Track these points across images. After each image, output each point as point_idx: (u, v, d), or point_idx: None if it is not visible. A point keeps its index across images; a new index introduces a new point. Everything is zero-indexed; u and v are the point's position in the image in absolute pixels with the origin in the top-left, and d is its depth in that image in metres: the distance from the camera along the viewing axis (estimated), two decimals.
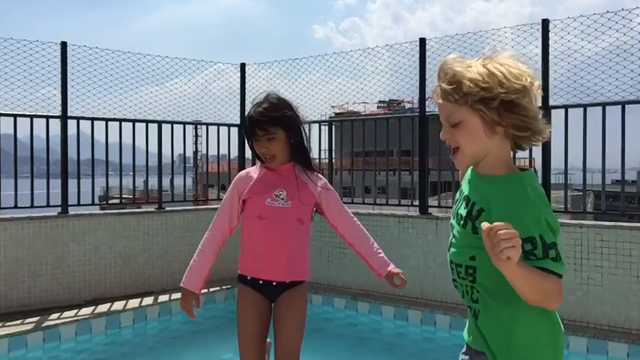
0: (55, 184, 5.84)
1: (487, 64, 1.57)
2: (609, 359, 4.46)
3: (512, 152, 1.68)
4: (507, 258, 1.33)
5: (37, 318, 5.04)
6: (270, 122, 2.60)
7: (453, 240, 1.75)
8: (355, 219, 2.87)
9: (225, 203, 2.76)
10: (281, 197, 2.63)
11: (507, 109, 1.54)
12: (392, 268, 2.85)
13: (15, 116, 5.65)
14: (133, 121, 6.40)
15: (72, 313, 5.22)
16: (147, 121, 6.49)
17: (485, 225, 1.36)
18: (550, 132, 1.63)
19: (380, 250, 2.87)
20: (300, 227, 2.67)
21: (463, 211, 1.69)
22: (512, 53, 1.61)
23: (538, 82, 1.60)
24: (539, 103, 1.62)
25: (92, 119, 6.14)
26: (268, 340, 2.87)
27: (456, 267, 1.72)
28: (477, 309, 1.70)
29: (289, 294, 2.74)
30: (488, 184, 1.65)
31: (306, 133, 2.74)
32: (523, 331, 1.62)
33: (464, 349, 1.83)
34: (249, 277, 2.76)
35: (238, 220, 2.75)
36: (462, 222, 1.68)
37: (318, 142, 6.80)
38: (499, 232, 1.33)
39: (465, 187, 1.74)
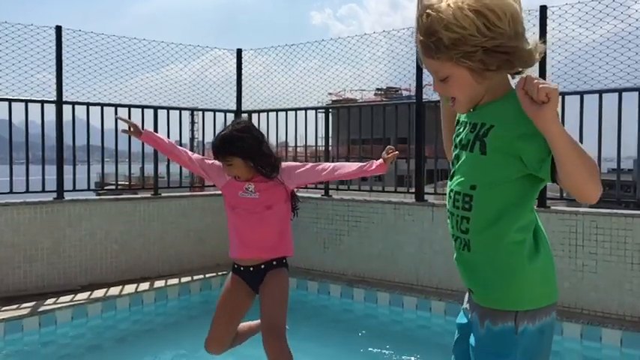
0: (51, 170, 5.82)
1: (464, 4, 1.48)
2: (603, 346, 4.49)
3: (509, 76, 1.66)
4: (546, 96, 1.33)
5: (33, 303, 5.05)
6: (225, 152, 2.98)
7: (456, 168, 1.74)
8: (321, 165, 3.17)
9: (202, 159, 3.26)
10: (250, 190, 3.04)
11: (491, 54, 1.52)
12: (380, 159, 3.11)
13: (10, 101, 5.61)
14: (129, 107, 6.37)
15: (68, 298, 5.24)
16: (143, 107, 6.46)
17: (518, 80, 1.37)
18: (544, 47, 1.57)
19: (356, 164, 3.16)
20: (269, 212, 3.03)
21: (470, 136, 1.67)
22: None
23: (521, 15, 1.54)
24: (525, 30, 1.56)
25: (87, 104, 6.11)
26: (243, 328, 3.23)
27: (455, 195, 1.72)
28: (467, 239, 1.71)
29: (269, 275, 3.04)
30: (491, 106, 1.64)
31: (270, 151, 3.06)
32: (513, 252, 1.64)
33: (466, 300, 1.85)
34: (235, 265, 3.16)
35: (191, 163, 3.26)
36: (469, 146, 1.67)
37: (314, 129, 6.79)
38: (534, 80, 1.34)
39: (465, 117, 1.74)
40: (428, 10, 1.52)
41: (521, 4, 1.56)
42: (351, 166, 3.15)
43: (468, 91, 1.61)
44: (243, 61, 7.24)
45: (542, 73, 5.22)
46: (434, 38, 1.52)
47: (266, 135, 3.13)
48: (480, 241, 1.68)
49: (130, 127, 3.26)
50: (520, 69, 1.59)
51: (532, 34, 1.61)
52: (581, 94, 5.04)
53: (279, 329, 2.88)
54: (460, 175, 1.72)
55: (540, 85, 1.34)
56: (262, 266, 3.05)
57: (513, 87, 1.63)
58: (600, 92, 4.96)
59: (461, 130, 1.75)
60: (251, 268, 3.06)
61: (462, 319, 1.89)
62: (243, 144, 2.96)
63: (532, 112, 1.39)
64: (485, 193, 1.64)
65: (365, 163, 3.10)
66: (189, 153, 3.32)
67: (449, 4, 1.50)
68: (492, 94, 1.64)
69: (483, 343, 1.70)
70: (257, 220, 3.02)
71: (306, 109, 6.81)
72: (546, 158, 1.46)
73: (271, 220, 3.05)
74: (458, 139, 1.76)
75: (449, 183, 1.78)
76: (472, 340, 1.74)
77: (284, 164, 3.13)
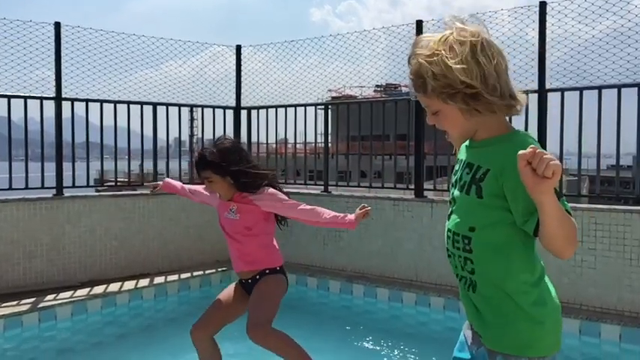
0: (50, 167, 5.82)
1: (447, 58, 1.57)
2: (602, 341, 4.50)
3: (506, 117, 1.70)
4: (552, 174, 1.36)
5: (33, 299, 5.05)
6: (203, 168, 3.17)
7: (454, 208, 1.76)
8: (301, 206, 3.25)
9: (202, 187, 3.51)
10: (233, 211, 3.24)
11: (473, 98, 1.59)
12: (353, 214, 3.20)
13: (9, 97, 5.61)
14: (128, 103, 6.37)
15: (68, 294, 5.24)
16: (142, 103, 6.45)
17: (522, 152, 1.38)
18: (525, 100, 1.66)
19: (332, 213, 3.24)
20: (249, 233, 3.22)
21: (467, 177, 1.70)
22: (480, 29, 1.61)
23: (504, 63, 1.62)
24: (513, 82, 1.64)
25: (86, 101, 6.10)
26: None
27: (453, 236, 1.74)
28: (474, 280, 1.71)
29: (261, 279, 3.26)
30: (489, 146, 1.67)
31: (252, 169, 3.21)
32: (520, 292, 1.66)
33: (468, 335, 1.85)
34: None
35: (195, 196, 3.66)
36: (465, 188, 1.69)
37: (314, 126, 6.79)
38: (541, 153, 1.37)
39: (463, 156, 1.76)
40: (417, 58, 1.62)
41: (505, 59, 1.64)
42: (329, 214, 3.23)
43: (458, 126, 1.68)
44: (242, 58, 7.24)
45: (542, 70, 5.22)
46: (421, 81, 1.62)
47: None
48: (486, 284, 1.69)
49: (154, 188, 3.78)
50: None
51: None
52: (581, 89, 5.04)
53: (259, 317, 3.01)
54: (457, 216, 1.73)
55: (549, 162, 1.36)
56: (257, 277, 3.25)
57: (513, 128, 1.68)
58: (600, 88, 4.96)
59: (457, 168, 1.78)
60: (249, 280, 3.27)
61: (462, 353, 1.87)
62: (220, 160, 3.13)
63: (532, 184, 1.40)
64: (484, 235, 1.66)
65: (339, 215, 3.21)
66: (194, 187, 3.69)
67: (435, 56, 1.59)
68: (488, 130, 1.67)
69: None
70: (240, 239, 3.23)
71: (305, 105, 6.81)
72: (534, 213, 1.51)
73: (253, 239, 3.24)
74: (455, 179, 1.78)
75: (447, 222, 1.80)
76: None
77: (270, 191, 3.23)
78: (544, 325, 1.67)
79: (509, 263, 1.65)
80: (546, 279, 1.74)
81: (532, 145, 1.40)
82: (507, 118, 1.71)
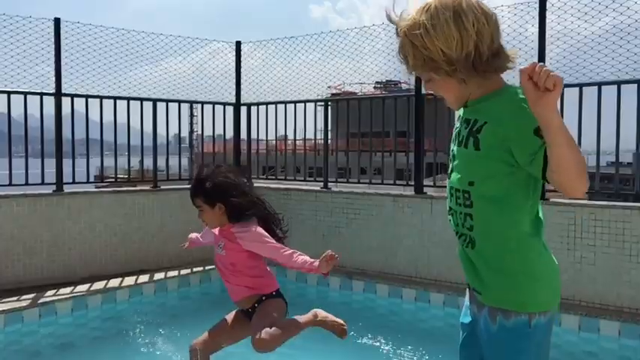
0: (50, 164, 5.82)
1: (427, 29, 1.59)
2: (601, 337, 4.51)
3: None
4: (554, 86, 1.37)
5: (33, 295, 5.07)
6: (195, 197, 3.14)
7: (454, 165, 1.77)
8: (282, 250, 3.18)
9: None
10: (220, 247, 3.21)
11: (456, 70, 1.62)
12: (318, 259, 3.13)
13: (9, 93, 5.61)
14: (128, 99, 6.37)
15: (68, 290, 5.25)
16: (141, 99, 6.45)
17: (524, 67, 1.41)
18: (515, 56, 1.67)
19: (301, 256, 3.18)
20: (234, 268, 3.19)
21: (465, 132, 1.71)
22: None
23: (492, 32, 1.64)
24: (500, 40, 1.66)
25: (86, 97, 6.10)
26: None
27: (455, 192, 1.75)
28: (472, 236, 1.72)
29: (257, 309, 3.22)
30: (485, 102, 1.68)
31: (245, 199, 3.15)
32: (519, 248, 1.67)
33: (468, 298, 1.86)
34: None
35: (204, 239, 3.59)
36: (464, 141, 1.71)
37: (313, 123, 6.79)
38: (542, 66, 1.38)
39: (462, 113, 1.78)
40: (401, 31, 1.65)
41: (492, 18, 1.66)
42: (302, 259, 3.16)
43: (452, 92, 1.70)
44: (242, 54, 7.23)
45: None
46: (403, 57, 1.67)
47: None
48: (484, 239, 1.69)
49: (186, 244, 3.73)
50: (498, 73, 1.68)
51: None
52: (581, 86, 5.04)
53: (264, 326, 2.98)
54: (457, 172, 1.74)
55: (550, 74, 1.38)
56: (256, 305, 3.22)
57: (505, 83, 1.69)
58: (599, 84, 4.96)
59: (458, 125, 1.79)
60: (249, 309, 3.23)
61: (465, 317, 1.88)
62: (209, 187, 3.07)
63: (534, 99, 1.41)
64: (483, 188, 1.66)
65: (309, 260, 3.16)
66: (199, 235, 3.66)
67: (415, 28, 1.60)
68: (484, 89, 1.68)
69: (498, 339, 1.70)
70: (229, 273, 3.21)
71: (305, 101, 6.81)
72: (538, 152, 1.49)
73: (240, 273, 3.20)
74: (454, 135, 1.79)
75: (448, 180, 1.80)
76: (484, 336, 1.75)
77: (257, 231, 3.13)
78: (543, 280, 1.68)
79: (508, 217, 1.65)
80: (545, 242, 1.74)
81: (533, 62, 1.41)
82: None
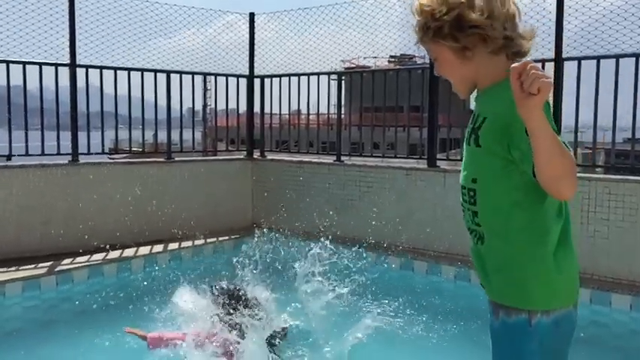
0: (65, 137, 5.88)
1: None
2: (612, 310, 4.51)
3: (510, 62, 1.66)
4: (538, 91, 1.33)
5: (50, 263, 5.16)
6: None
7: (463, 161, 1.78)
8: None
9: None
10: None
11: (459, 29, 1.60)
12: None
13: (24, 64, 5.64)
14: (142, 71, 6.38)
15: (84, 258, 5.34)
16: (155, 71, 6.46)
17: (515, 65, 1.38)
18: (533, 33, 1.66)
19: None
20: None
21: (469, 128, 1.72)
22: None
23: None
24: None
25: (100, 68, 6.13)
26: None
27: (462, 189, 1.76)
28: (481, 232, 1.72)
29: None
30: (485, 95, 1.69)
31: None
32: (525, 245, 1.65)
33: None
34: None
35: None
36: (467, 138, 1.71)
37: (327, 97, 6.77)
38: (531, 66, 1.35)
39: (474, 109, 1.78)
40: (411, 4, 1.68)
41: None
42: None
43: (455, 71, 1.70)
44: (255, 26, 7.20)
45: (559, 38, 5.14)
46: (415, 25, 1.69)
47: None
48: (490, 234, 1.69)
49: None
50: (510, 50, 1.64)
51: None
52: (598, 58, 4.97)
53: None
54: (464, 169, 1.74)
55: (536, 78, 1.33)
56: None
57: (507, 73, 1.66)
58: (617, 57, 4.88)
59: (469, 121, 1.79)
60: None
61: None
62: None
63: (518, 99, 1.38)
64: (486, 185, 1.66)
65: None
66: None
67: None
68: (487, 78, 1.67)
69: (500, 334, 1.71)
70: None
71: (318, 74, 6.78)
72: (528, 151, 1.46)
73: None
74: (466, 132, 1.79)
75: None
76: (490, 331, 1.76)
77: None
78: (547, 278, 1.65)
79: (511, 214, 1.63)
80: (565, 240, 1.69)
81: (515, 65, 1.37)
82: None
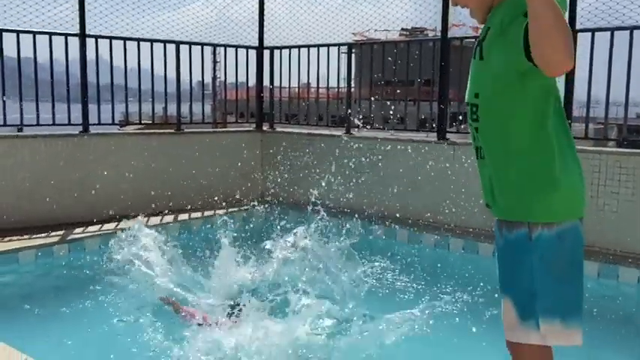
0: (76, 109, 5.90)
1: None
2: (619, 284, 4.52)
3: None
4: None
5: (62, 231, 5.23)
6: None
7: (470, 79, 1.78)
8: None
9: None
10: None
11: None
12: None
13: (34, 33, 5.65)
14: (151, 41, 6.37)
15: (95, 227, 5.40)
16: (165, 41, 6.45)
17: None
18: None
19: None
20: None
21: (476, 42, 1.73)
22: None
23: None
24: None
25: (110, 38, 6.12)
26: None
27: (467, 107, 1.77)
28: (483, 148, 1.74)
29: None
30: (493, 11, 1.69)
31: None
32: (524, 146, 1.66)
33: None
34: None
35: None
36: (474, 52, 1.72)
37: (337, 69, 6.73)
38: None
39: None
40: None
41: None
42: None
43: None
44: None
45: (572, 10, 5.06)
46: None
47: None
48: (491, 149, 1.70)
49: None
50: None
51: None
52: (612, 30, 4.90)
53: None
54: (469, 85, 1.75)
55: None
56: None
57: None
58: (632, 28, 4.81)
59: None
60: None
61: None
62: None
63: None
64: (487, 98, 1.67)
65: None
66: None
67: None
68: None
69: (503, 253, 1.73)
70: None
71: (328, 45, 6.73)
72: (521, 31, 1.47)
73: None
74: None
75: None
76: (495, 248, 1.79)
77: None
78: (547, 189, 1.63)
79: (509, 126, 1.64)
80: (568, 153, 1.66)
81: None
82: None
